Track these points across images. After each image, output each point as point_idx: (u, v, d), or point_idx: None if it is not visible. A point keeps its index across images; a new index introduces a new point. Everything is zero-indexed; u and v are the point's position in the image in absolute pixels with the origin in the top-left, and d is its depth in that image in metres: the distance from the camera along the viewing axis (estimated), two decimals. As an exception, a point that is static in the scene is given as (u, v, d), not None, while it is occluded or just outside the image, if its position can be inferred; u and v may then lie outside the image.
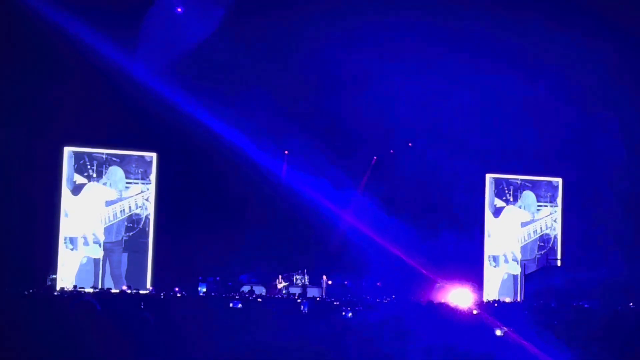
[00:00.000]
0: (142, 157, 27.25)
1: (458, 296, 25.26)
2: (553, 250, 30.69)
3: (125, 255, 26.82)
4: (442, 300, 24.52)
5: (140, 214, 27.00)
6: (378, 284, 28.02)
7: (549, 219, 30.72)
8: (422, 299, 25.77)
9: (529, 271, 29.49)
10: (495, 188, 30.36)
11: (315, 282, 28.15)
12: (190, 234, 26.91)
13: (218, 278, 27.00)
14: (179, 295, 23.86)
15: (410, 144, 29.84)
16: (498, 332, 17.96)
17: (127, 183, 26.94)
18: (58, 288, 24.91)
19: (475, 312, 21.35)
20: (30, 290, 22.22)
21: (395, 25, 26.54)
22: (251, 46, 26.22)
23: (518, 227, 30.51)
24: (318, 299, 25.45)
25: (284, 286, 27.45)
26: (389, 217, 28.48)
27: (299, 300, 23.91)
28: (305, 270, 28.28)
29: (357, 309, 22.52)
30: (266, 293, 26.96)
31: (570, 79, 28.14)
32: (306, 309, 22.52)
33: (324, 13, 25.66)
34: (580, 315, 22.74)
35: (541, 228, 30.67)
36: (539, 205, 30.66)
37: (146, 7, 25.73)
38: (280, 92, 27.31)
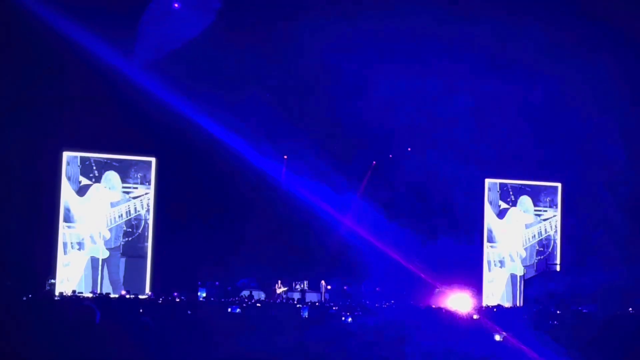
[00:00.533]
0: (141, 161, 27.23)
1: (457, 301, 25.24)
2: (552, 255, 30.70)
3: (123, 261, 26.79)
4: (442, 305, 24.52)
5: (139, 219, 26.98)
6: (377, 289, 28.00)
7: (548, 224, 30.73)
8: (421, 304, 25.77)
9: (528, 276, 29.50)
10: (500, 189, 30.45)
11: (314, 286, 28.13)
12: (190, 239, 26.87)
13: (217, 283, 26.97)
14: (177, 300, 23.84)
15: (409, 149, 29.84)
16: (497, 337, 17.97)
17: (125, 187, 26.91)
18: (57, 293, 24.88)
19: (475, 317, 21.36)
20: (30, 295, 22.20)
21: (395, 30, 26.55)
22: (251, 51, 26.22)
23: (522, 228, 30.62)
24: (317, 303, 25.44)
25: (283, 291, 27.43)
26: (388, 221, 28.47)
27: (298, 306, 23.90)
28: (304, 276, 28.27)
29: (356, 313, 22.53)
30: (265, 298, 26.93)
31: (569, 83, 28.14)
32: (306, 314, 22.53)
33: (324, 18, 25.66)
34: (579, 320, 22.74)
35: (540, 233, 30.68)
36: (537, 210, 30.66)
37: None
38: (280, 97, 27.34)
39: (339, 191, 28.38)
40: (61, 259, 26.14)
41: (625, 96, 28.42)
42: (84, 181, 26.54)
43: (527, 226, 30.62)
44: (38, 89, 24.66)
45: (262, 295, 27.11)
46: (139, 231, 27.00)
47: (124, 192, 26.91)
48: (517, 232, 30.49)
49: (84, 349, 9.20)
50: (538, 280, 28.30)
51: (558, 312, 24.14)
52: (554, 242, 30.77)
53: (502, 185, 30.51)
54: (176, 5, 25.75)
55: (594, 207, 30.19)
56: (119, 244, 26.79)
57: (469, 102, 28.55)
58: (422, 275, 28.02)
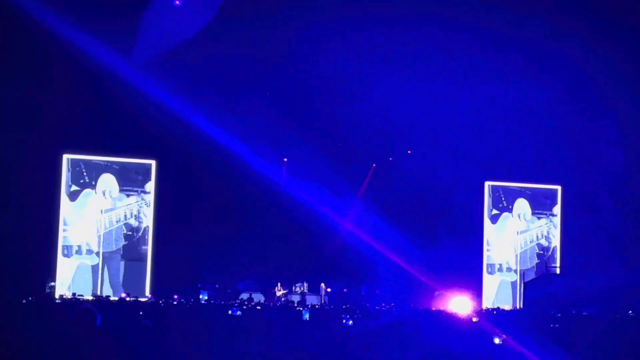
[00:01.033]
0: (141, 164, 27.23)
1: (457, 304, 25.24)
2: (552, 257, 30.67)
3: (122, 264, 26.77)
4: (441, 308, 24.53)
5: (139, 222, 26.96)
6: (377, 291, 27.99)
7: (546, 227, 30.69)
8: (421, 307, 25.78)
9: (527, 279, 29.47)
10: (491, 194, 30.29)
11: (314, 289, 28.11)
12: (189, 241, 26.88)
13: (217, 285, 26.97)
14: (176, 302, 23.83)
15: (409, 152, 29.84)
16: (497, 340, 17.97)
17: (124, 190, 26.90)
18: (57, 295, 24.87)
19: (474, 319, 21.36)
20: (30, 298, 22.20)
21: (395, 33, 26.58)
22: (250, 53, 26.23)
23: (515, 236, 30.46)
24: (317, 306, 25.43)
25: (283, 293, 27.42)
26: (388, 224, 28.46)
27: (298, 309, 23.89)
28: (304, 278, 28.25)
29: (356, 316, 22.54)
30: (265, 300, 26.92)
31: (570, 86, 28.16)
32: (306, 316, 22.54)
33: (323, 21, 25.68)
34: (579, 322, 22.75)
35: (537, 237, 30.62)
36: (536, 213, 30.62)
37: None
38: (280, 100, 27.34)
39: (338, 194, 28.38)
40: (61, 261, 26.13)
41: (625, 99, 28.43)
42: (74, 187, 26.47)
43: (521, 232, 30.46)
44: (37, 92, 24.62)
45: (262, 298, 27.10)
46: (139, 234, 26.99)
47: (124, 194, 26.89)
48: (509, 239, 30.29)
49: (84, 352, 9.19)
50: (538, 283, 28.28)
51: (558, 314, 24.15)
52: (554, 245, 30.75)
53: (494, 190, 30.27)
54: (177, 2, 25.70)
55: (594, 210, 30.19)
56: (120, 246, 26.78)
57: (469, 105, 28.59)
58: (421, 278, 28.01)
